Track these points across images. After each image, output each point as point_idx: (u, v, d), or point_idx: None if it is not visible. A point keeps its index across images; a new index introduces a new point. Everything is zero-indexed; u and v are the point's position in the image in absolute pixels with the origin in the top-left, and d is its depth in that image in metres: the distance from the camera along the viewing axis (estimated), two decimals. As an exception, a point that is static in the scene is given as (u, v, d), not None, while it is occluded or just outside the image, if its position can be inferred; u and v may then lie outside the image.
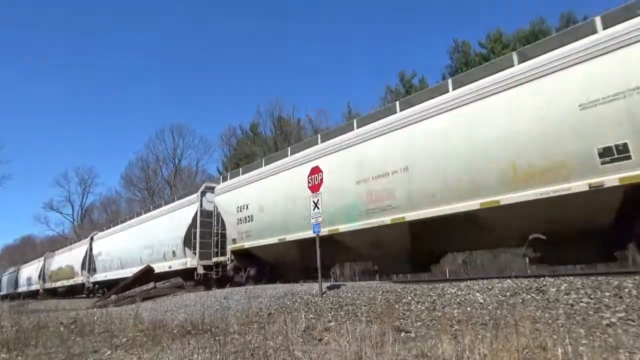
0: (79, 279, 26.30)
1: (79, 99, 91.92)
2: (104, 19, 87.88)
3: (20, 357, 5.41)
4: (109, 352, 5.40)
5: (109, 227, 25.16)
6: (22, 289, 38.57)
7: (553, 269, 8.53)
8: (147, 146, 50.42)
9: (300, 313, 6.73)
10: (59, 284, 29.93)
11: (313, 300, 7.76)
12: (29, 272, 38.30)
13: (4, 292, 44.10)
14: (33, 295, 34.38)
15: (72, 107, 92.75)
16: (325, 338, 5.22)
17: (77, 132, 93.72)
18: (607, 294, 5.11)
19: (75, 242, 32.19)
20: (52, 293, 31.36)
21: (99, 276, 23.55)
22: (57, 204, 61.02)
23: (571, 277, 5.90)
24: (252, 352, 4.51)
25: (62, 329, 7.96)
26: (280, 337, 5.08)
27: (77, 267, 26.69)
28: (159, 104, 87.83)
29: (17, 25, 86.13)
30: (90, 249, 25.51)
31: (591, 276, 5.80)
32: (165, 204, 19.60)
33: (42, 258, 35.24)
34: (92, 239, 26.04)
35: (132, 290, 14.06)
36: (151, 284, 14.06)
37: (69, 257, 28.68)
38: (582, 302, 5.11)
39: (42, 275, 34.13)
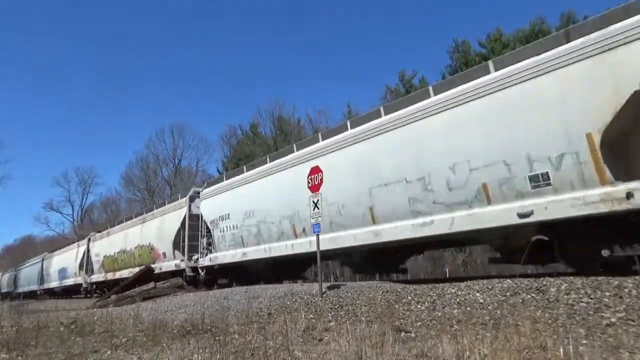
0: (169, 265, 16.40)
1: (78, 99, 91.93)
2: (104, 18, 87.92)
3: (20, 357, 5.42)
4: (109, 352, 5.40)
5: (237, 174, 13.96)
6: (51, 284, 30.49)
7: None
8: (147, 146, 50.45)
9: (300, 313, 6.73)
10: (123, 273, 19.89)
11: (313, 300, 7.76)
12: (63, 262, 28.70)
13: (23, 290, 36.44)
14: (69, 292, 27.38)
15: (73, 106, 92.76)
16: (325, 338, 5.22)
17: (77, 132, 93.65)
18: (607, 293, 5.11)
19: (134, 217, 21.06)
20: (104, 287, 21.05)
21: (225, 256, 13.37)
22: (57, 204, 60.99)
23: (571, 277, 5.90)
24: (252, 352, 4.50)
25: (62, 329, 7.97)
26: (280, 337, 5.08)
27: (163, 247, 16.92)
28: (159, 104, 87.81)
29: (17, 25, 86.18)
30: (190, 217, 15.64)
31: (591, 276, 5.80)
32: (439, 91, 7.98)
33: (84, 241, 25.92)
34: (191, 199, 15.93)
35: (132, 290, 14.07)
36: (151, 284, 14.07)
37: (142, 234, 18.78)
38: (582, 302, 5.11)
39: (87, 265, 24.75)
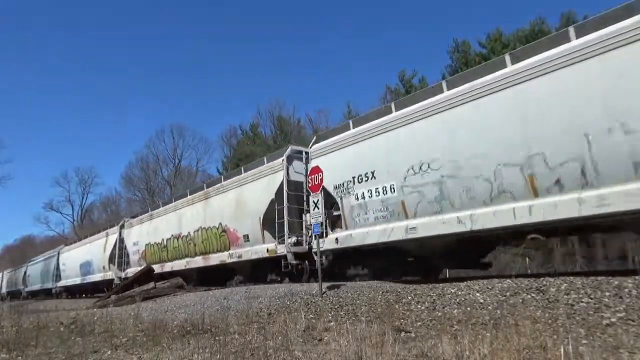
0: (256, 251, 12.22)
1: (79, 99, 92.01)
2: (104, 19, 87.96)
3: (20, 357, 5.42)
4: (109, 352, 5.40)
5: (375, 116, 9.61)
6: (71, 281, 26.20)
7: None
8: (147, 146, 50.43)
9: (300, 313, 6.73)
10: (176, 265, 15.80)
11: (313, 300, 7.76)
12: (86, 255, 24.00)
13: (33, 288, 32.90)
14: (95, 289, 22.33)
15: (73, 106, 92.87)
16: (325, 338, 5.22)
17: (77, 132, 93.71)
18: (607, 293, 5.11)
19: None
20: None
21: (366, 234, 9.10)
22: (57, 204, 61.01)
23: (571, 277, 5.90)
24: (252, 352, 4.51)
25: (62, 329, 7.98)
26: (280, 337, 5.08)
27: (245, 228, 12.54)
28: (159, 104, 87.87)
29: (17, 24, 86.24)
30: (289, 184, 11.39)
31: (591, 276, 5.81)
32: None
33: (115, 229, 21.46)
34: (289, 160, 11.59)
35: (132, 290, 14.06)
36: (151, 284, 14.06)
37: (206, 214, 14.43)
38: (582, 302, 5.11)
39: (120, 257, 20.46)
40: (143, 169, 49.07)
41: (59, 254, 29.09)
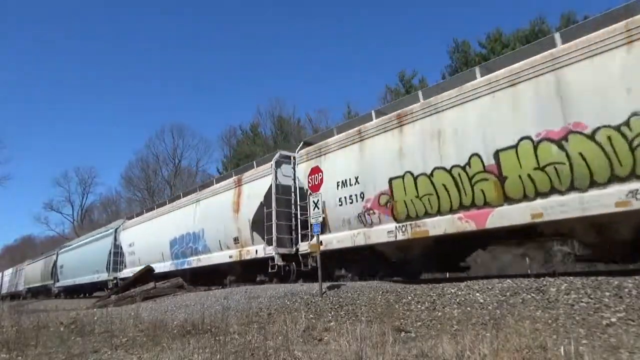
0: None
1: (79, 99, 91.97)
2: (104, 19, 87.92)
3: (20, 357, 5.41)
4: (109, 352, 5.40)
5: None
6: (164, 266, 16.07)
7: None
8: (147, 146, 50.54)
9: (301, 313, 6.73)
10: (566, 206, 5.87)
11: (313, 300, 7.76)
12: (182, 226, 15.09)
13: (71, 283, 24.83)
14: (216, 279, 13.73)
15: (73, 106, 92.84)
16: (325, 338, 5.22)
17: (77, 132, 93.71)
18: (607, 293, 5.11)
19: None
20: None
21: None
22: (57, 204, 61.03)
23: (571, 277, 5.90)
24: (252, 352, 4.51)
25: (62, 329, 7.96)
26: (280, 337, 5.08)
27: None
28: (159, 104, 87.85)
29: (17, 25, 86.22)
30: None
31: (591, 276, 5.80)
32: None
33: (264, 168, 11.71)
34: None
35: (132, 290, 14.05)
36: (151, 284, 14.05)
37: None
38: (582, 302, 5.11)
39: (285, 217, 11.24)
40: (143, 169, 49.07)
41: (116, 232, 20.56)
